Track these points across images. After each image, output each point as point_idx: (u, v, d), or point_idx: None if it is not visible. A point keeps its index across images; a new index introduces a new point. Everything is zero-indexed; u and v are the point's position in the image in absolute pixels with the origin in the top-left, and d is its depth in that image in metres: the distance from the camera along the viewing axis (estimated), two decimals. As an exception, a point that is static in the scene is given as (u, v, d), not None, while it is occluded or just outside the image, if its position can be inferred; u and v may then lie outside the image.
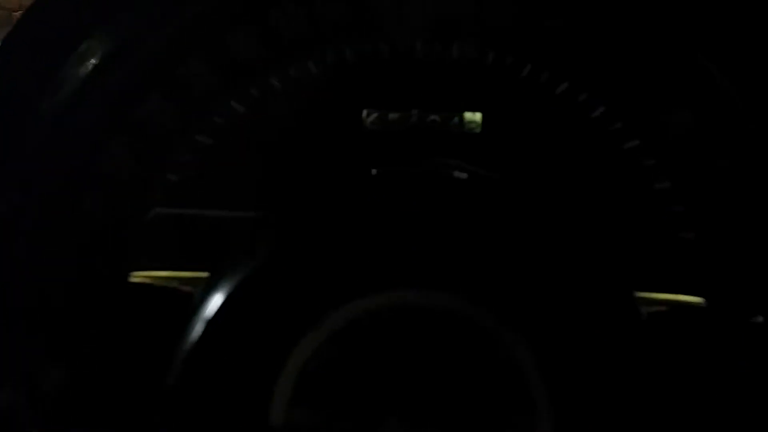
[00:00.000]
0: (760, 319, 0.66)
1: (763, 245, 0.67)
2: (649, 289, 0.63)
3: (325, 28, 0.69)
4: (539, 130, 0.69)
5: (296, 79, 0.69)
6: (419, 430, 0.50)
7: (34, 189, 0.66)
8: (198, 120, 0.69)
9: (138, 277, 0.66)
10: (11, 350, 0.64)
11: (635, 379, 0.51)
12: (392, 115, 0.70)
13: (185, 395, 0.51)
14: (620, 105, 0.68)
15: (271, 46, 0.69)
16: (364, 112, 0.70)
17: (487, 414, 0.50)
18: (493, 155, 0.69)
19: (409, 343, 0.51)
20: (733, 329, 0.66)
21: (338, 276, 0.51)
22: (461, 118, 0.70)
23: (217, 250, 0.66)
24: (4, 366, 0.64)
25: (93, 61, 0.65)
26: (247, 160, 0.70)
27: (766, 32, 0.64)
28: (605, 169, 0.69)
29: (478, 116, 0.69)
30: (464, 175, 0.67)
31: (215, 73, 0.69)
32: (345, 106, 0.70)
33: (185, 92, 0.68)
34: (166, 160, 0.69)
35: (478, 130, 0.69)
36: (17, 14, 1.01)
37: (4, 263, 0.65)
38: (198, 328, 0.51)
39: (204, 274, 0.63)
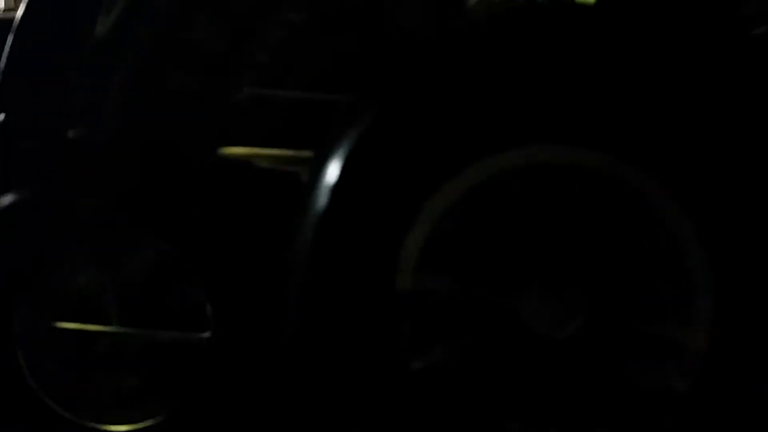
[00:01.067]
0: None
1: None
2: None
3: None
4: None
5: None
6: (561, 300, 0.47)
7: (120, 68, 0.62)
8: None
9: (230, 152, 0.62)
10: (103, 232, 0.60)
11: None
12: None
13: (315, 267, 0.48)
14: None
15: None
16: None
17: (637, 284, 0.46)
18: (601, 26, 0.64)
19: (550, 206, 0.47)
20: None
21: (473, 127, 0.47)
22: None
23: (315, 131, 0.62)
24: (91, 248, 0.60)
25: None
26: (339, 39, 0.66)
27: None
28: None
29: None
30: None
31: None
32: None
33: None
34: (255, 37, 0.65)
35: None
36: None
37: (94, 147, 0.61)
38: (322, 199, 0.48)
39: (303, 153, 0.59)
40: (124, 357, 0.91)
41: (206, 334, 0.73)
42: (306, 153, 0.60)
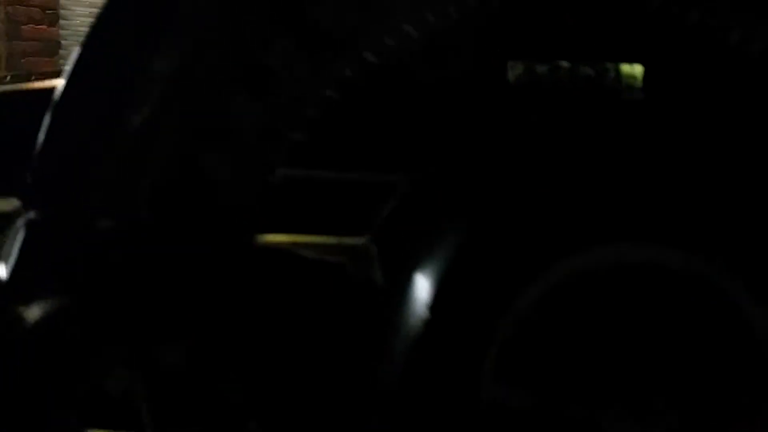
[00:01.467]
0: None
1: None
2: None
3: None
4: (708, 86, 0.62)
5: (435, 25, 0.62)
6: (646, 410, 0.44)
7: (154, 147, 0.59)
8: (327, 71, 0.62)
9: (269, 240, 0.59)
10: (126, 329, 0.56)
11: None
12: (540, 68, 0.63)
13: (407, 383, 0.45)
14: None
15: None
16: (509, 65, 0.63)
17: (722, 387, 0.43)
18: (655, 114, 0.62)
19: (628, 308, 0.44)
20: None
21: (551, 234, 0.45)
22: (618, 72, 0.62)
23: (362, 216, 0.59)
24: (119, 346, 0.56)
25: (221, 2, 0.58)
26: (378, 117, 0.63)
27: None
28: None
29: (638, 69, 0.62)
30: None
31: (347, 19, 0.62)
32: (487, 57, 0.63)
33: (316, 38, 0.61)
34: (292, 115, 0.62)
35: (637, 86, 0.62)
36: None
37: (121, 229, 0.58)
38: (413, 322, 0.45)
39: (350, 240, 0.56)
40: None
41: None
42: (351, 240, 0.56)
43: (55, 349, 0.52)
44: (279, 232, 0.59)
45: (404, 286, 0.48)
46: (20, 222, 0.54)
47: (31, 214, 0.54)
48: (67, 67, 0.56)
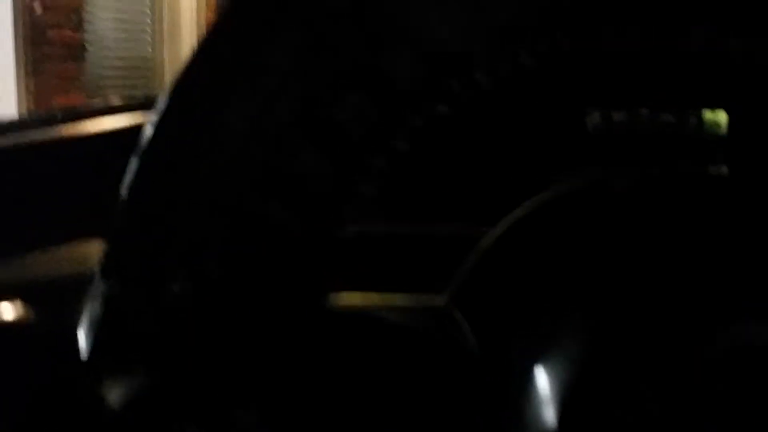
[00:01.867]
0: None
1: None
2: None
3: (539, 14, 0.60)
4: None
5: (507, 74, 0.60)
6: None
7: (221, 197, 0.58)
8: (396, 122, 0.60)
9: (345, 300, 0.57)
10: (202, 394, 0.55)
11: None
12: (618, 115, 0.61)
13: None
14: None
15: (478, 35, 0.60)
16: (587, 113, 0.61)
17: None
18: (738, 162, 0.60)
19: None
20: None
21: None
22: (700, 118, 0.60)
23: (440, 274, 0.57)
24: (196, 413, 0.55)
25: (293, 54, 0.56)
26: (450, 169, 0.62)
27: None
28: None
29: (721, 116, 0.60)
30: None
31: (418, 68, 0.60)
32: (563, 105, 0.60)
33: (386, 90, 0.59)
34: (361, 168, 0.60)
35: (721, 132, 0.60)
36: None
37: (190, 282, 0.56)
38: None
39: (430, 300, 0.55)
40: None
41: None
42: (430, 299, 0.54)
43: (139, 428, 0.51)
44: (352, 290, 0.58)
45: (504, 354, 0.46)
46: (96, 292, 0.53)
47: (108, 286, 0.52)
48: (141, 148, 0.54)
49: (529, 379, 0.51)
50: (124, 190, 0.54)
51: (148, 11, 5.16)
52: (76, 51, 4.70)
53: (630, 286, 0.53)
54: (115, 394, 0.52)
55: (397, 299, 0.57)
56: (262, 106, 0.57)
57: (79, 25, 4.69)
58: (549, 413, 0.50)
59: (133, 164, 0.54)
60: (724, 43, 0.60)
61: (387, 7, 0.59)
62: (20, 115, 3.93)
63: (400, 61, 0.60)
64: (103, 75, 4.93)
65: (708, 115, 0.60)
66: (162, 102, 0.53)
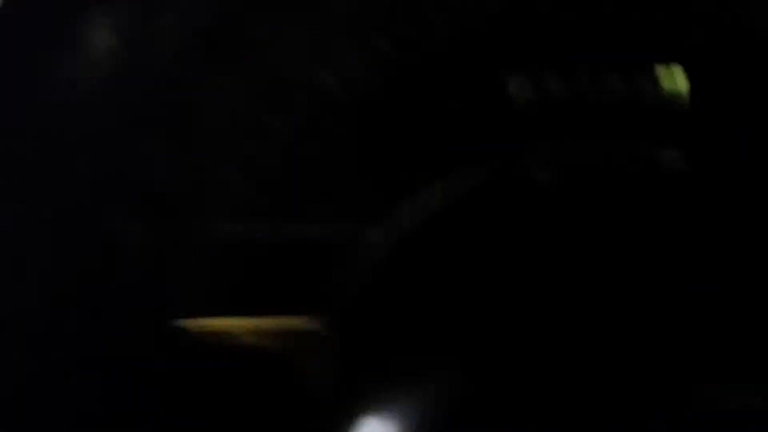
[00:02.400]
0: None
1: None
2: None
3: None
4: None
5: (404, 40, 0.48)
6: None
7: (48, 200, 0.48)
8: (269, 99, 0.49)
9: (195, 325, 0.47)
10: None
11: None
12: (548, 81, 0.47)
13: None
14: None
15: None
16: (506, 79, 0.47)
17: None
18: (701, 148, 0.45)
19: None
20: None
21: None
22: (655, 81, 0.46)
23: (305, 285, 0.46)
24: None
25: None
26: (337, 151, 0.49)
27: None
28: None
29: (681, 79, 0.46)
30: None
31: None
32: (472, 71, 0.47)
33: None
34: (223, 160, 0.49)
35: (682, 102, 0.46)
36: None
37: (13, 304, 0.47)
38: None
39: (298, 322, 0.44)
40: None
41: None
42: (294, 322, 0.43)
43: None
44: (210, 310, 0.47)
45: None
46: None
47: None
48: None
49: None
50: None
51: None
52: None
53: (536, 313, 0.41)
54: None
55: (258, 323, 0.46)
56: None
57: None
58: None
59: None
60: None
61: None
62: None
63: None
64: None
65: (665, 77, 0.46)
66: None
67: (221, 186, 0.48)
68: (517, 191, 0.45)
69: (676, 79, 0.45)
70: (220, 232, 0.48)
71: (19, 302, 0.46)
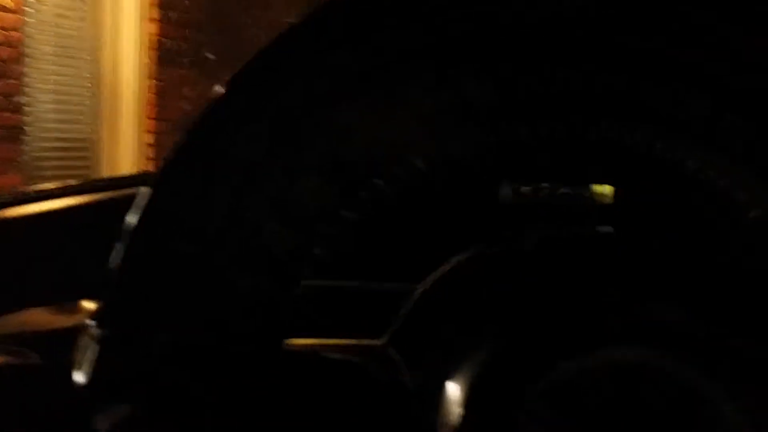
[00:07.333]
0: None
1: None
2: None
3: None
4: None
5: (438, 159, 0.74)
6: None
7: (200, 269, 0.69)
8: (344, 196, 0.73)
9: (297, 344, 0.68)
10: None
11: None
12: (524, 189, 0.74)
13: None
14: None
15: (419, 126, 0.74)
16: (499, 188, 0.74)
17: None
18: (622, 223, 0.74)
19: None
20: None
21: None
22: (590, 191, 0.74)
23: (375, 320, 0.69)
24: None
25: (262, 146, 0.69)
26: (388, 235, 0.74)
27: None
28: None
29: (608, 188, 0.74)
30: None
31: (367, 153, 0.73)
32: (481, 183, 0.74)
33: (337, 172, 0.72)
34: (314, 234, 0.72)
35: (607, 201, 0.74)
36: None
37: (172, 333, 0.67)
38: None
39: (366, 341, 0.66)
40: None
41: None
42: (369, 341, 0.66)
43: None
44: (304, 336, 0.69)
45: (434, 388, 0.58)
46: (91, 336, 0.63)
47: (103, 331, 0.63)
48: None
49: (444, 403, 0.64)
50: (117, 259, 0.66)
51: (87, 92, 5.25)
52: (15, 132, 4.74)
53: (528, 314, 0.66)
54: (103, 422, 0.62)
55: (342, 342, 0.69)
56: (237, 191, 0.70)
57: (18, 108, 4.75)
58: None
59: (125, 240, 0.66)
60: (631, 135, 0.74)
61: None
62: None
63: (352, 150, 0.73)
64: (42, 156, 4.98)
65: (597, 188, 0.74)
66: (151, 188, 0.66)
67: (314, 252, 0.72)
68: (511, 255, 0.71)
69: (604, 190, 0.74)
70: (313, 285, 0.71)
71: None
